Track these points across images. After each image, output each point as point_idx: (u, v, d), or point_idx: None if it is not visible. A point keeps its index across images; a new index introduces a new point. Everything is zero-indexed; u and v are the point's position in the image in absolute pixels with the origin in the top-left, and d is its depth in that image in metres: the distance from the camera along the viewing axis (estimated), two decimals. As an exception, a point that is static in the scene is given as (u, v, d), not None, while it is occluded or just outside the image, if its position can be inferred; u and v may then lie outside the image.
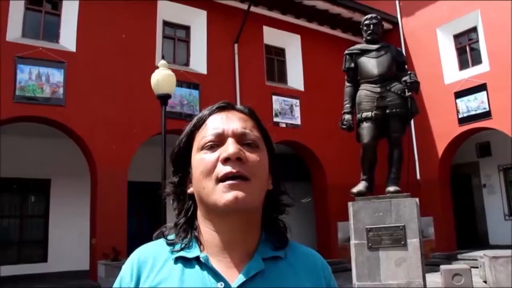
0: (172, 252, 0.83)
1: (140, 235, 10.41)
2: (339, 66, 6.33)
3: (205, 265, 0.80)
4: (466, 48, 12.51)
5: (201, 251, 0.82)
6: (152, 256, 0.83)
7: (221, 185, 0.78)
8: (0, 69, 8.31)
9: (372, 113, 5.41)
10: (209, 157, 0.81)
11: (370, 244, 4.92)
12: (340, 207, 8.92)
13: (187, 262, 0.81)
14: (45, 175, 11.19)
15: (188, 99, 10.63)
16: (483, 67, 11.65)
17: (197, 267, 0.80)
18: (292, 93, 12.61)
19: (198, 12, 11.34)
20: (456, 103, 12.06)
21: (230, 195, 0.77)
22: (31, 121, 9.06)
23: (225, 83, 11.21)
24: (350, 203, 5.21)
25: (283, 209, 0.91)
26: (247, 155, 0.81)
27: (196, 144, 0.85)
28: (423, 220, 5.34)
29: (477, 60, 12.04)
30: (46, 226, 11.23)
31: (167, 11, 10.92)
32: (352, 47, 5.97)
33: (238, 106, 0.90)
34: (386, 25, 11.99)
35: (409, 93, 5.40)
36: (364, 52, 5.73)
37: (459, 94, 11.98)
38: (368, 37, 5.80)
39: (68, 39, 9.46)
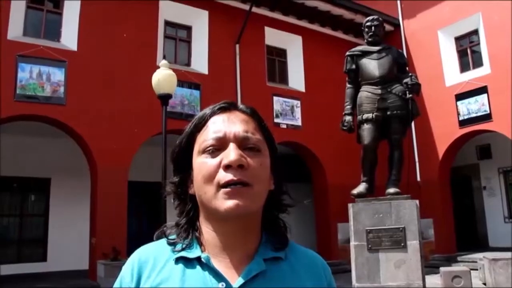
0: (173, 252, 0.82)
1: (140, 235, 10.42)
2: (340, 68, 6.34)
3: (206, 266, 0.80)
4: (467, 51, 12.51)
5: (202, 251, 0.82)
6: (153, 256, 0.83)
7: (222, 191, 0.78)
8: (0, 67, 8.31)
9: (373, 115, 5.41)
10: (211, 162, 0.80)
11: (370, 246, 4.92)
12: (340, 208, 8.91)
13: (188, 262, 0.81)
14: (45, 174, 11.19)
15: (189, 99, 10.63)
16: (484, 70, 11.65)
17: (198, 267, 0.80)
18: (293, 94, 12.62)
19: (199, 12, 11.34)
20: (456, 105, 12.06)
21: (231, 203, 0.77)
22: (32, 120, 9.07)
23: (226, 84, 11.22)
24: (350, 205, 5.21)
25: (284, 209, 0.91)
26: (248, 160, 0.80)
27: (197, 147, 0.84)
28: (423, 222, 5.33)
29: (478, 63, 12.03)
30: (46, 226, 11.23)
31: (168, 11, 10.92)
32: (353, 49, 5.97)
33: (240, 106, 0.89)
34: (388, 27, 11.99)
35: (410, 95, 5.40)
36: (365, 53, 5.73)
37: (460, 97, 11.98)
38: (370, 39, 5.81)
39: (69, 38, 9.47)
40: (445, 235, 11.83)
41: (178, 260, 0.81)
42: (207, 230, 0.84)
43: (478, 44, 12.12)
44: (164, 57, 7.70)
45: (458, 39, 12.67)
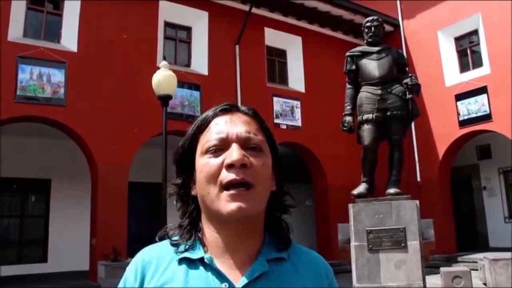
0: (177, 253, 0.83)
1: (141, 236, 10.43)
2: (340, 68, 6.35)
3: (209, 266, 0.80)
4: (467, 51, 12.51)
5: (205, 252, 0.83)
6: (157, 257, 0.84)
7: (225, 193, 0.78)
8: (1, 68, 8.32)
9: (373, 115, 5.42)
10: (213, 162, 0.81)
11: (370, 246, 4.92)
12: (340, 209, 8.91)
13: (191, 263, 0.81)
14: (46, 175, 11.19)
15: (189, 100, 10.63)
16: (484, 70, 11.65)
17: (201, 268, 0.81)
18: (293, 95, 12.62)
19: (199, 13, 11.35)
20: (456, 106, 12.06)
21: (234, 206, 0.77)
22: (32, 121, 9.07)
23: (226, 84, 11.22)
24: (350, 205, 5.21)
25: (286, 210, 0.92)
26: (251, 160, 0.81)
27: (200, 148, 0.85)
28: (423, 222, 5.33)
29: (478, 63, 12.04)
30: (46, 226, 11.23)
31: (168, 12, 10.93)
32: (353, 49, 5.98)
33: (242, 107, 0.90)
34: (387, 27, 11.98)
35: (410, 96, 5.41)
36: (365, 54, 5.74)
37: (460, 97, 11.98)
38: (369, 39, 5.82)
39: (69, 39, 9.47)
40: (446, 235, 11.81)
41: (181, 260, 0.82)
42: (209, 231, 0.84)
43: (478, 44, 12.13)
44: (164, 58, 7.71)
45: (457, 39, 12.68)
